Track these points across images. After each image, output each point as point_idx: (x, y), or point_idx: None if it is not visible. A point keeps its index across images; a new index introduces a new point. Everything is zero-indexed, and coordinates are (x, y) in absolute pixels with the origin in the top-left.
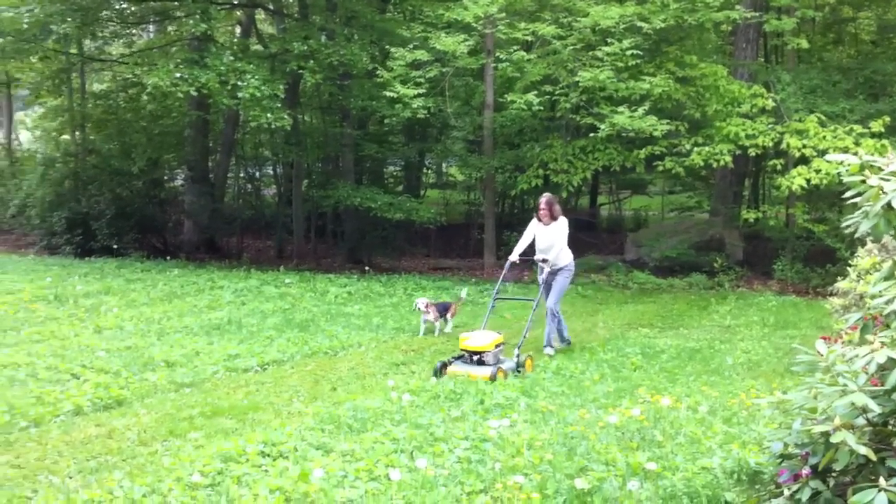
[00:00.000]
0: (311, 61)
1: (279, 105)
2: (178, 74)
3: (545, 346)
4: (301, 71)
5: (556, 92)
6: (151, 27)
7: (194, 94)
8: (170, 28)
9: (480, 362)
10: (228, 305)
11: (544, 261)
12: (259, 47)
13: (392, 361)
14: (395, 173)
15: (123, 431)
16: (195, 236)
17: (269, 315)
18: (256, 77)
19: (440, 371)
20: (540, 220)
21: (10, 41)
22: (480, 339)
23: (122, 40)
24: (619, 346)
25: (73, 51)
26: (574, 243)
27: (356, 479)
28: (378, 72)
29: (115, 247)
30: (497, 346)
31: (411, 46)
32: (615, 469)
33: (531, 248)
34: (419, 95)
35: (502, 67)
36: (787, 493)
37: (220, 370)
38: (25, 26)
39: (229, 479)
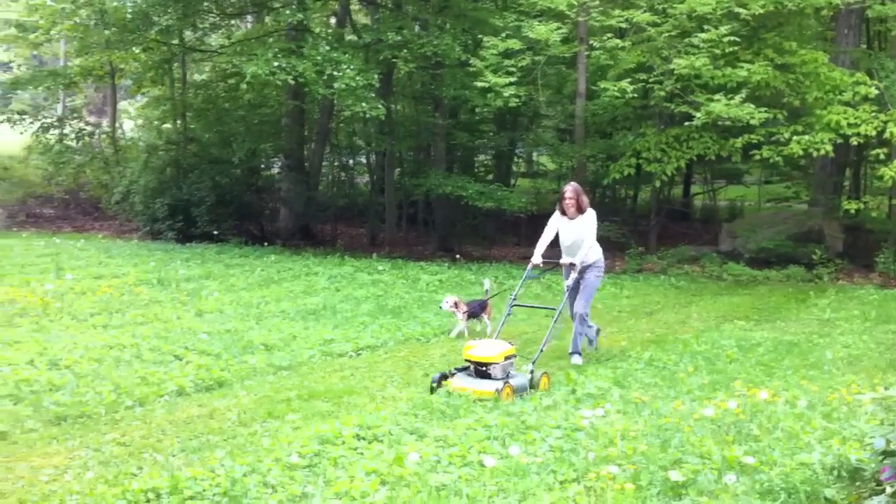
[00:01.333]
0: (405, 51)
1: (373, 94)
2: (275, 64)
3: (572, 354)
4: (394, 60)
5: (651, 80)
6: (249, 18)
7: (291, 82)
8: (267, 18)
9: (486, 375)
10: (323, 291)
11: (572, 265)
12: (353, 37)
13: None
14: (485, 162)
15: (224, 412)
16: (291, 223)
17: (362, 301)
18: (351, 67)
19: (438, 384)
20: (564, 212)
21: (114, 32)
22: (487, 348)
23: (220, 31)
24: (714, 339)
25: (175, 42)
26: (666, 233)
27: (449, 464)
28: (471, 61)
29: (214, 233)
30: (507, 357)
31: (504, 35)
32: (710, 462)
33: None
34: (511, 84)
35: (595, 55)
36: (889, 490)
37: (316, 354)
38: (129, 17)
39: (326, 461)
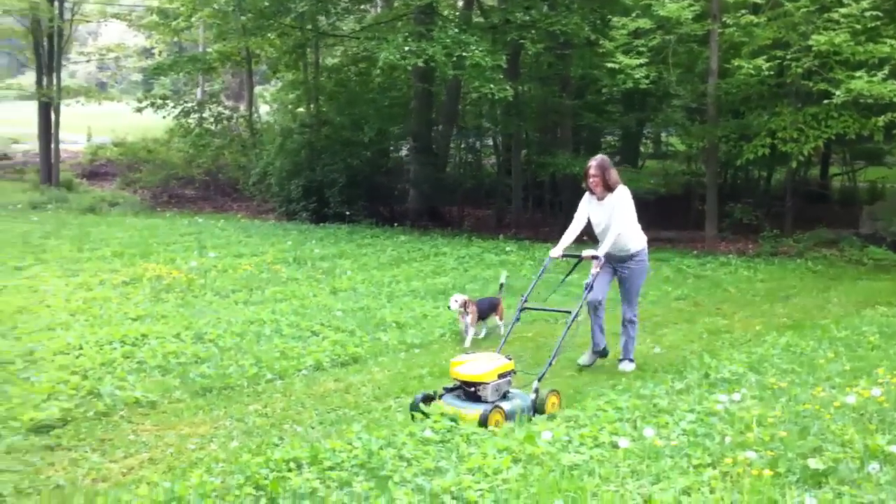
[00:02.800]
0: (532, 31)
1: (501, 76)
2: (406, 48)
3: (622, 361)
4: (522, 41)
5: (788, 56)
6: (379, 2)
7: (421, 65)
8: (396, 2)
9: (476, 397)
10: (452, 272)
11: (594, 258)
12: (481, 19)
13: (614, 332)
14: (612, 143)
15: (359, 387)
16: (419, 205)
17: (490, 281)
18: (480, 49)
19: (419, 406)
20: (592, 192)
21: (251, 18)
22: (476, 365)
23: (352, 16)
24: (854, 325)
25: (309, 27)
26: (802, 216)
27: (581, 444)
28: (600, 41)
29: (346, 213)
30: (501, 375)
31: (634, 15)
32: (852, 451)
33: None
34: (641, 66)
35: (729, 32)
36: None
37: (446, 333)
38: (265, 4)
39: (459, 437)
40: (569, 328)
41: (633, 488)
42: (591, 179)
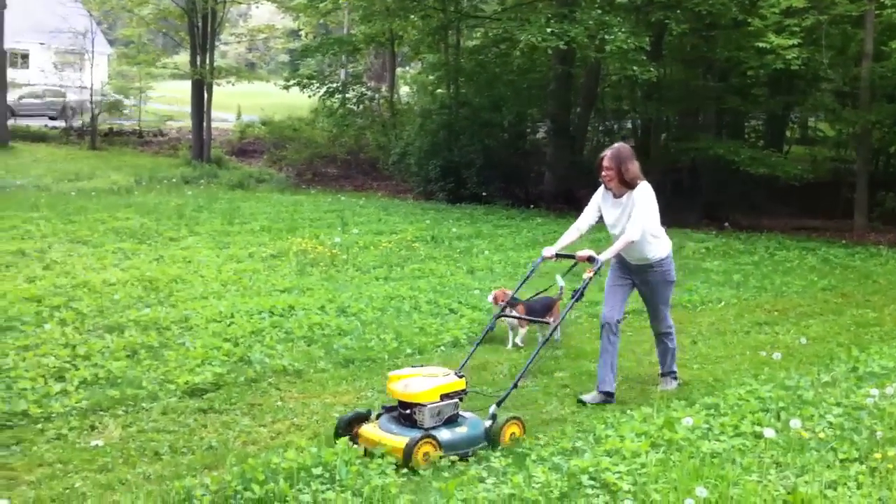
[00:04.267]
0: (677, 11)
1: (644, 57)
2: (548, 30)
3: (663, 377)
4: (666, 22)
5: None
6: None
7: (563, 47)
8: None
9: (412, 421)
10: None
11: (590, 259)
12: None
13: (754, 320)
14: (756, 127)
15: (495, 365)
16: (555, 187)
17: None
18: (623, 30)
19: (345, 429)
20: (607, 187)
21: (395, 1)
22: (415, 382)
23: None
24: None
25: (451, 9)
26: None
27: (721, 433)
28: (748, 21)
29: (482, 194)
30: (445, 395)
31: None
32: None
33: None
34: (794, 46)
35: (887, 13)
36: None
37: (582, 316)
38: None
39: (595, 420)
40: (545, 342)
41: (776, 480)
42: (604, 173)
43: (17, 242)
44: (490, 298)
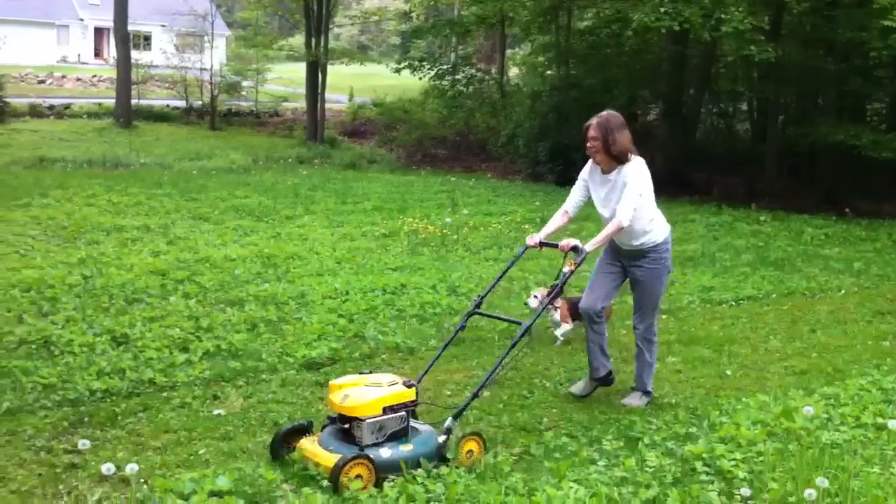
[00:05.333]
0: None
1: (762, 38)
2: (662, 10)
3: (632, 392)
4: (785, 0)
5: None
6: None
7: (676, 28)
8: None
9: (349, 436)
10: (701, 239)
11: (575, 248)
12: None
13: (875, 309)
14: (879, 110)
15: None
16: (666, 170)
17: (742, 251)
18: (739, 9)
19: (282, 443)
20: (595, 162)
21: None
22: (355, 392)
23: None
24: None
25: None
26: None
27: (841, 423)
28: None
29: None
30: (390, 408)
31: None
32: None
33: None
34: None
35: None
36: None
37: (695, 300)
38: None
39: (709, 406)
40: (514, 346)
41: None
42: (588, 143)
43: (143, 218)
44: (535, 303)
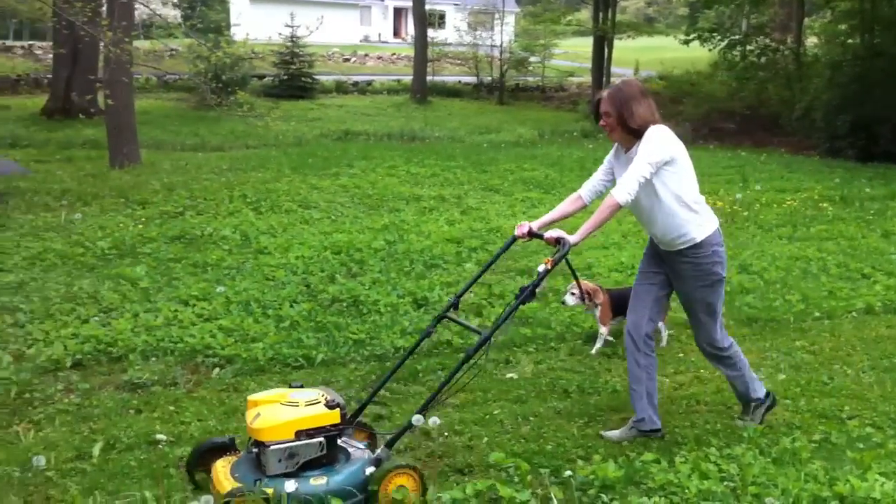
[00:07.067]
0: None
1: None
2: None
3: (748, 407)
4: None
5: None
6: None
7: None
8: None
9: (257, 460)
10: None
11: (559, 241)
12: None
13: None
14: None
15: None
16: None
17: None
18: None
19: (197, 462)
20: (614, 140)
21: None
22: (267, 411)
23: None
24: None
25: None
26: None
27: None
28: None
29: None
30: (304, 433)
31: None
32: None
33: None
34: None
35: None
36: None
37: None
38: None
39: None
40: (466, 360)
41: None
42: (601, 121)
43: (438, 188)
44: (572, 300)
